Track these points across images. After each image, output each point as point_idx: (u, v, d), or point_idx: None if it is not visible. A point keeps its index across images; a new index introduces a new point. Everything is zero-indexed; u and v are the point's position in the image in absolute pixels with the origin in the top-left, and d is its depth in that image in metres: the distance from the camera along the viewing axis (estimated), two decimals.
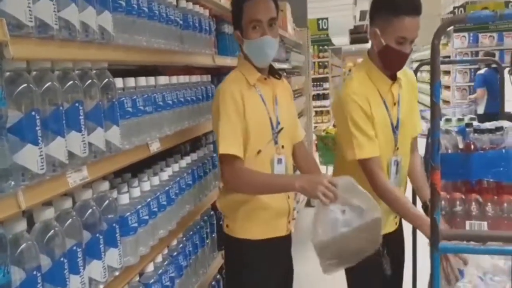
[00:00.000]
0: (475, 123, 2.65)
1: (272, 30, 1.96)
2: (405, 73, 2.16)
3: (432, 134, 1.48)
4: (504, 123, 2.37)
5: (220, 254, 2.46)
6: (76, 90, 1.28)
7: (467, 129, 2.51)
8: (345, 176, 1.80)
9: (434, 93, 1.49)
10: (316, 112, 9.21)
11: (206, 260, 2.27)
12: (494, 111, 7.08)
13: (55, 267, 1.19)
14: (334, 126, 5.38)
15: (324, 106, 9.86)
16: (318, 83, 9.66)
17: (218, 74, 2.69)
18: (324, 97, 10.01)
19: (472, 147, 2.34)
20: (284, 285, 2.16)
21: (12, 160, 1.07)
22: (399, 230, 2.28)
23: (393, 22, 1.90)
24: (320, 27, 9.89)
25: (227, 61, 2.69)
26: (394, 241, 2.20)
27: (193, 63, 2.25)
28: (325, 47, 10.15)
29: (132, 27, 1.61)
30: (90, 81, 1.36)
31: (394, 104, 2.06)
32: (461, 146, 2.40)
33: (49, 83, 1.19)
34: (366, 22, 16.92)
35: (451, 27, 8.29)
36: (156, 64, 2.16)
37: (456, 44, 8.18)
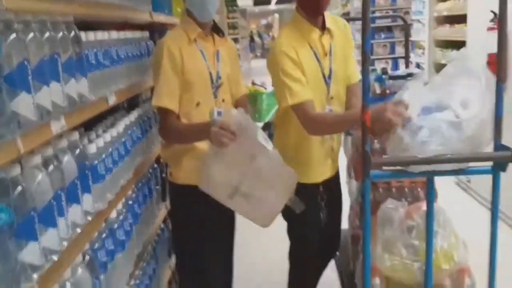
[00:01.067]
0: (390, 71, 3.00)
1: None
2: (337, 23, 2.21)
3: (363, 79, 1.72)
4: (414, 70, 2.73)
5: (164, 206, 2.59)
6: (53, 42, 1.33)
7: (383, 76, 2.85)
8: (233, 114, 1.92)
9: (365, 44, 1.72)
10: None
11: (154, 210, 2.39)
12: None
13: (47, 209, 1.27)
14: (252, 84, 5.56)
15: None
16: None
17: (152, 31, 2.74)
18: None
19: (388, 92, 2.69)
20: (226, 230, 2.33)
21: (10, 108, 1.12)
22: (337, 175, 2.39)
23: None
24: None
25: (161, 18, 2.74)
26: (332, 188, 2.32)
27: (133, 19, 2.29)
28: (234, 7, 10.24)
29: None
30: (62, 33, 1.40)
31: (326, 54, 2.13)
32: (378, 91, 2.73)
33: (32, 34, 1.24)
34: None
35: None
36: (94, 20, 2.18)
37: (355, 4, 8.76)
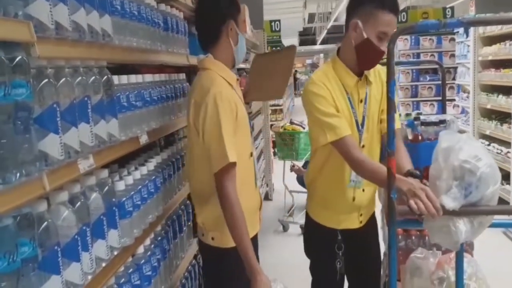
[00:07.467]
0: (422, 117, 2.97)
1: None
2: (378, 72, 2.15)
3: (388, 126, 1.72)
4: (447, 117, 2.68)
5: (195, 241, 2.62)
6: (84, 85, 1.42)
7: (415, 122, 2.82)
8: None
9: (390, 89, 1.73)
10: (271, 110, 9.46)
11: (184, 246, 2.43)
12: None
13: (71, 244, 1.33)
14: (290, 123, 5.62)
15: (278, 105, 10.14)
16: None
17: (187, 72, 2.85)
18: None
19: (420, 138, 2.65)
20: None
21: (37, 147, 1.20)
22: (365, 230, 2.26)
23: (378, 15, 1.91)
24: (273, 28, 10.13)
25: (196, 60, 2.85)
26: (355, 240, 2.19)
27: (171, 62, 2.39)
28: (278, 48, 10.46)
29: (125, 29, 1.75)
30: (94, 77, 1.50)
31: (361, 101, 2.07)
32: (410, 137, 2.70)
33: (64, 79, 1.33)
34: (315, 24, 17.39)
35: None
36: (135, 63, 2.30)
37: (400, 46, 8.62)
